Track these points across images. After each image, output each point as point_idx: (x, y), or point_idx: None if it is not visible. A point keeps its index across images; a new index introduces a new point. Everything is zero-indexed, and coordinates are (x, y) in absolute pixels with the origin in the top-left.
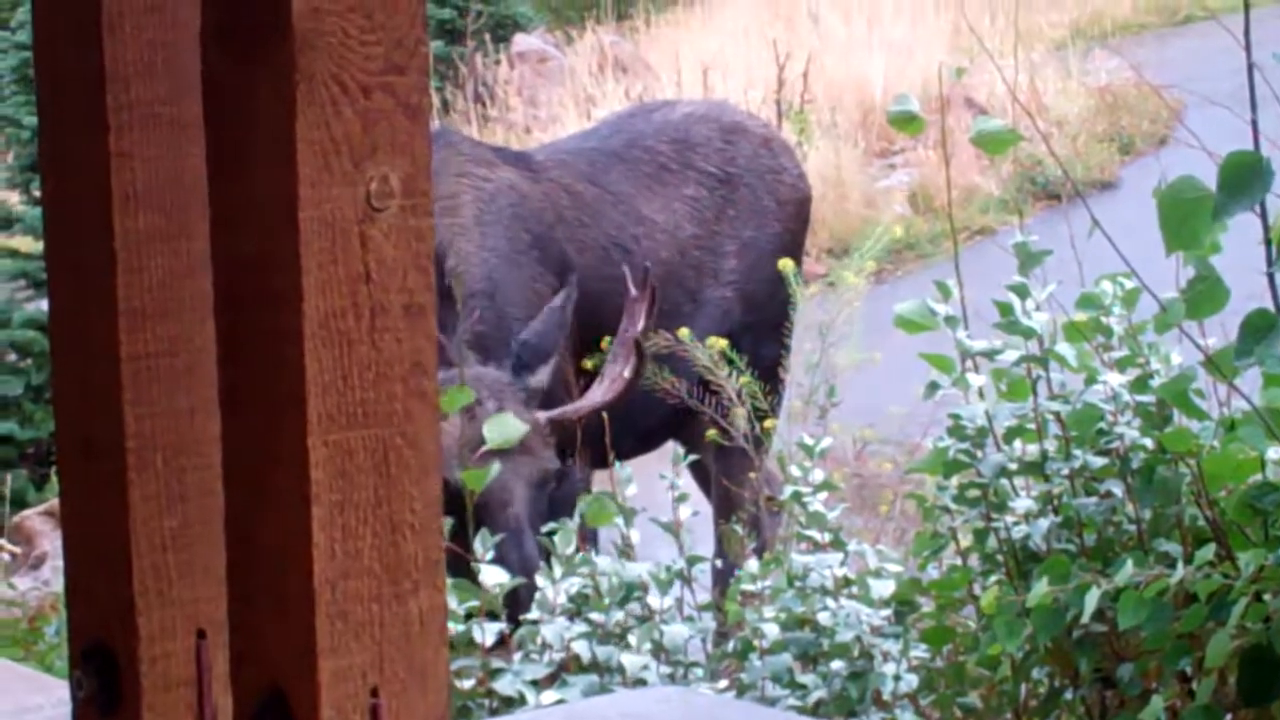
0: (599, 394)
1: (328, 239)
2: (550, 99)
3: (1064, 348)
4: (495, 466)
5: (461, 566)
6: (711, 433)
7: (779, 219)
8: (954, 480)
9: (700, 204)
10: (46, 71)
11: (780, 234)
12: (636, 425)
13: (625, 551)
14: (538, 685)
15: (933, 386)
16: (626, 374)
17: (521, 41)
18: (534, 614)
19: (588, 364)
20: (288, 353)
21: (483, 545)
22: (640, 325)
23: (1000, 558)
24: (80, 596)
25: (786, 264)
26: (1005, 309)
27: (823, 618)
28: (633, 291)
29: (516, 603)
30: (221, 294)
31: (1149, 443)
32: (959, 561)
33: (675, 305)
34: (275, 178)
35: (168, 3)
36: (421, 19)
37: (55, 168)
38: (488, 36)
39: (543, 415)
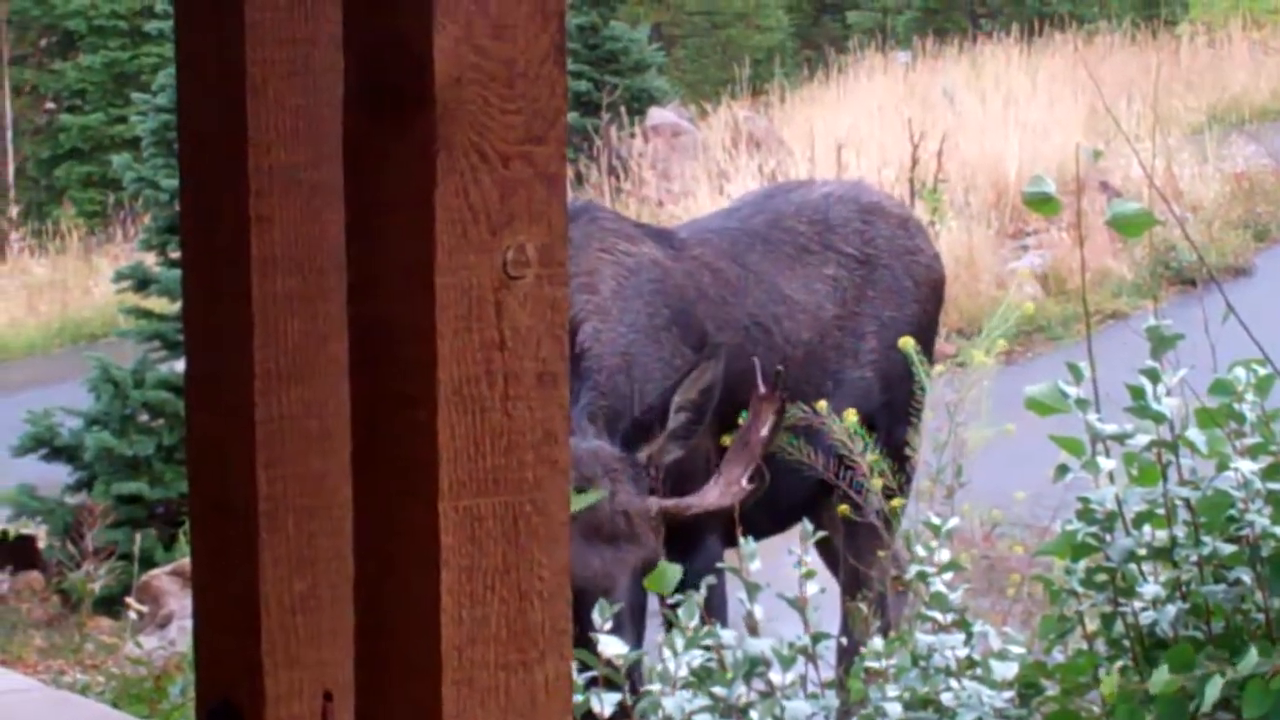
0: (714, 495)
1: (464, 306)
2: (684, 173)
3: (1195, 433)
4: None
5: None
6: (844, 508)
7: (916, 299)
8: (1082, 564)
9: (840, 284)
10: (189, 134)
11: (917, 314)
12: (777, 505)
13: (750, 626)
14: None
15: (1063, 469)
16: (745, 483)
17: (656, 115)
18: (656, 686)
19: (725, 440)
20: (421, 418)
21: (601, 615)
22: (765, 430)
23: (1126, 643)
24: (209, 656)
25: (907, 343)
26: (1137, 393)
27: (946, 698)
28: (761, 388)
29: (638, 674)
30: (356, 358)
31: None
32: (1085, 646)
33: (816, 386)
34: (413, 244)
35: (310, 69)
36: (562, 90)
37: (196, 230)
38: (623, 109)
39: (655, 502)
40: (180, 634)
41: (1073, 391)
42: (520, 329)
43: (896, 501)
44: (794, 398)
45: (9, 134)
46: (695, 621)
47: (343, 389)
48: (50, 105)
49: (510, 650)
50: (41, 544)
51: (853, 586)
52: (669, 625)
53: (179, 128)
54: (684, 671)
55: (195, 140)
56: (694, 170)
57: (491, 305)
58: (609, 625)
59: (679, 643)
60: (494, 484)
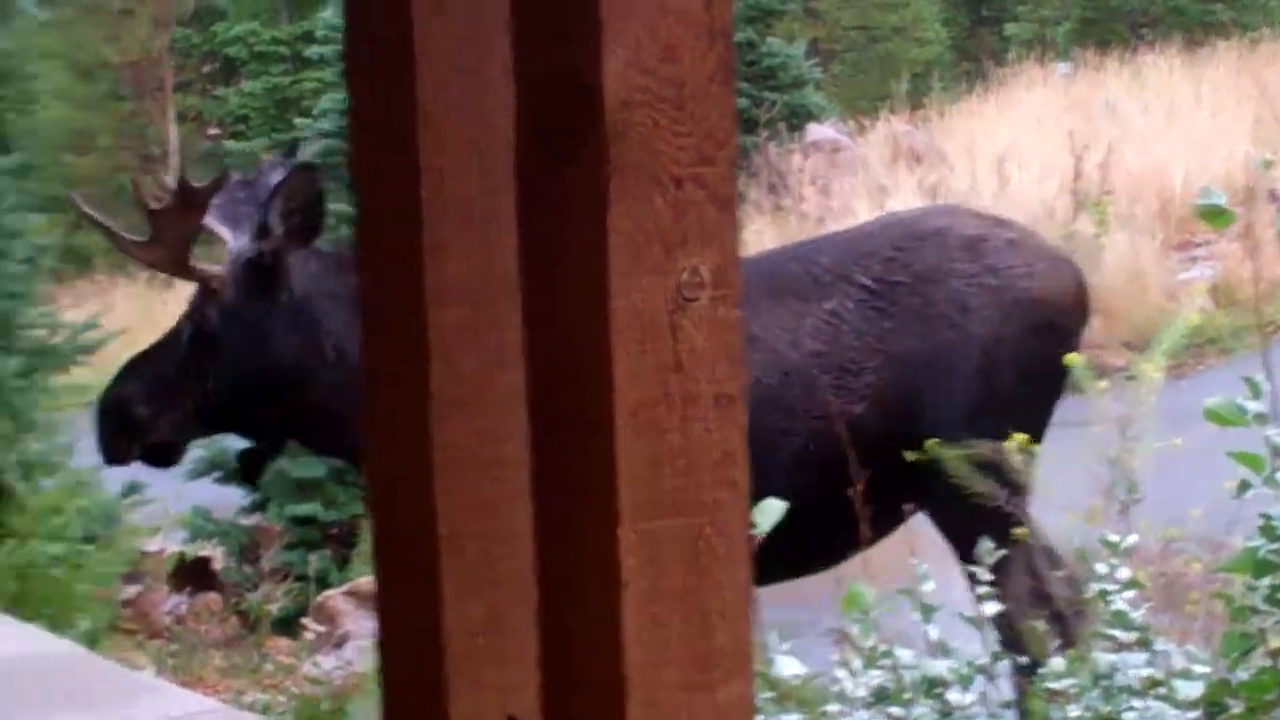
0: None
1: (639, 329)
2: (843, 189)
3: None
4: None
5: None
6: (1023, 530)
7: (977, 322)
8: (1265, 581)
9: (839, 319)
10: (362, 166)
11: (981, 337)
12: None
13: (930, 646)
14: None
15: (1244, 485)
16: None
17: (815, 131)
18: (834, 707)
19: None
20: (598, 442)
21: (780, 637)
22: None
23: None
24: (393, 681)
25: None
26: None
27: (1128, 718)
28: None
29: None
30: (533, 385)
31: None
32: (1269, 663)
33: (773, 425)
34: (587, 268)
35: (481, 99)
36: (730, 110)
37: (370, 261)
38: (782, 126)
39: None
40: (357, 654)
41: (1252, 406)
42: (696, 351)
43: (1022, 532)
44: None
45: (174, 159)
46: (872, 642)
47: (517, 416)
48: (214, 131)
49: (693, 671)
50: (218, 566)
51: (1021, 606)
52: (844, 643)
53: (350, 160)
54: (862, 692)
55: (368, 172)
56: (854, 186)
57: (667, 328)
58: (786, 646)
59: (856, 663)
60: (673, 506)
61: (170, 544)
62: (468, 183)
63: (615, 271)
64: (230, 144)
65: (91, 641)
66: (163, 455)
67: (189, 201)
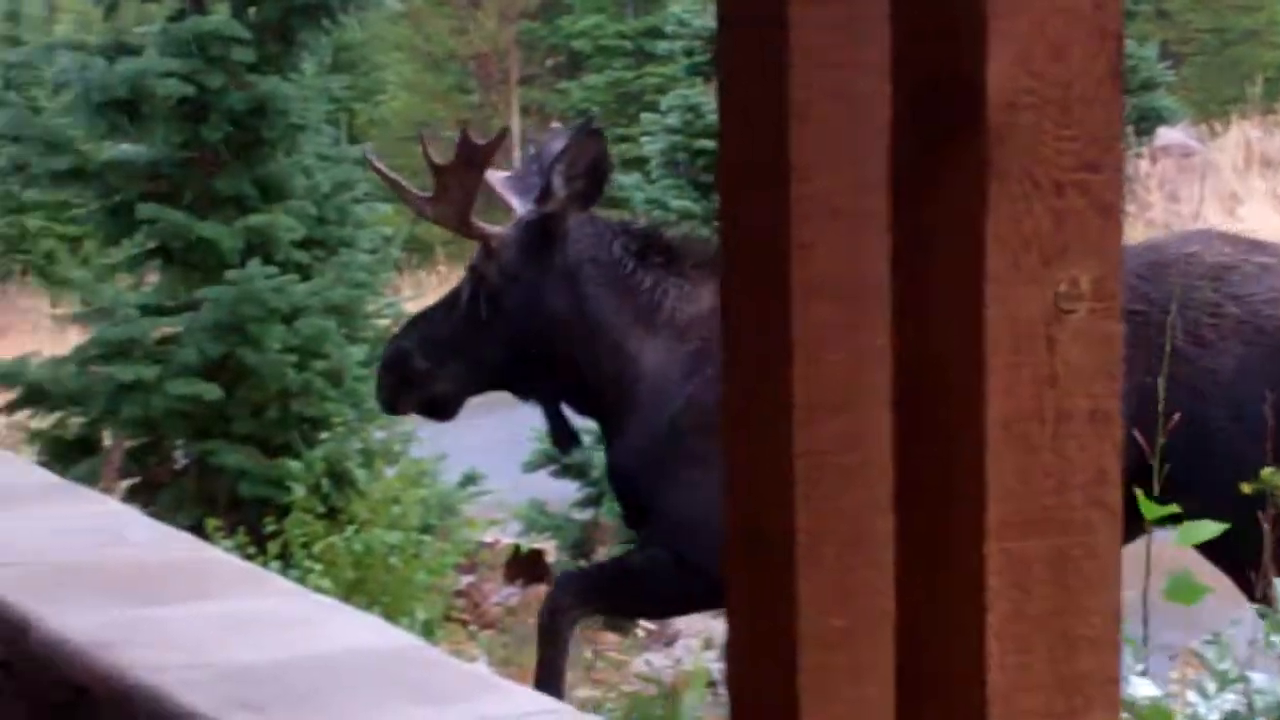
0: None
1: (1013, 340)
2: (1192, 195)
3: None
4: None
5: None
6: None
7: (1218, 354)
8: None
9: None
10: (730, 159)
11: (1222, 370)
12: None
13: None
14: None
15: None
16: None
17: (1165, 135)
18: None
19: None
20: (967, 454)
21: (1135, 656)
22: None
23: None
24: (743, 689)
25: None
26: None
27: None
28: None
29: None
30: (900, 391)
31: None
32: None
33: None
34: (961, 274)
35: (855, 94)
36: (1118, 114)
37: (736, 257)
38: (1130, 130)
39: None
40: (686, 652)
41: None
42: (1072, 364)
43: None
44: None
45: (517, 153)
46: (1227, 664)
47: (882, 421)
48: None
49: (1057, 698)
50: (551, 559)
51: None
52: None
53: (720, 154)
54: (1215, 716)
55: (737, 166)
56: (1203, 193)
57: (1042, 339)
58: (1140, 666)
59: (1210, 686)
60: (1042, 525)
61: (505, 536)
62: (838, 180)
63: (991, 279)
64: None
65: (427, 632)
66: (439, 408)
67: (471, 158)
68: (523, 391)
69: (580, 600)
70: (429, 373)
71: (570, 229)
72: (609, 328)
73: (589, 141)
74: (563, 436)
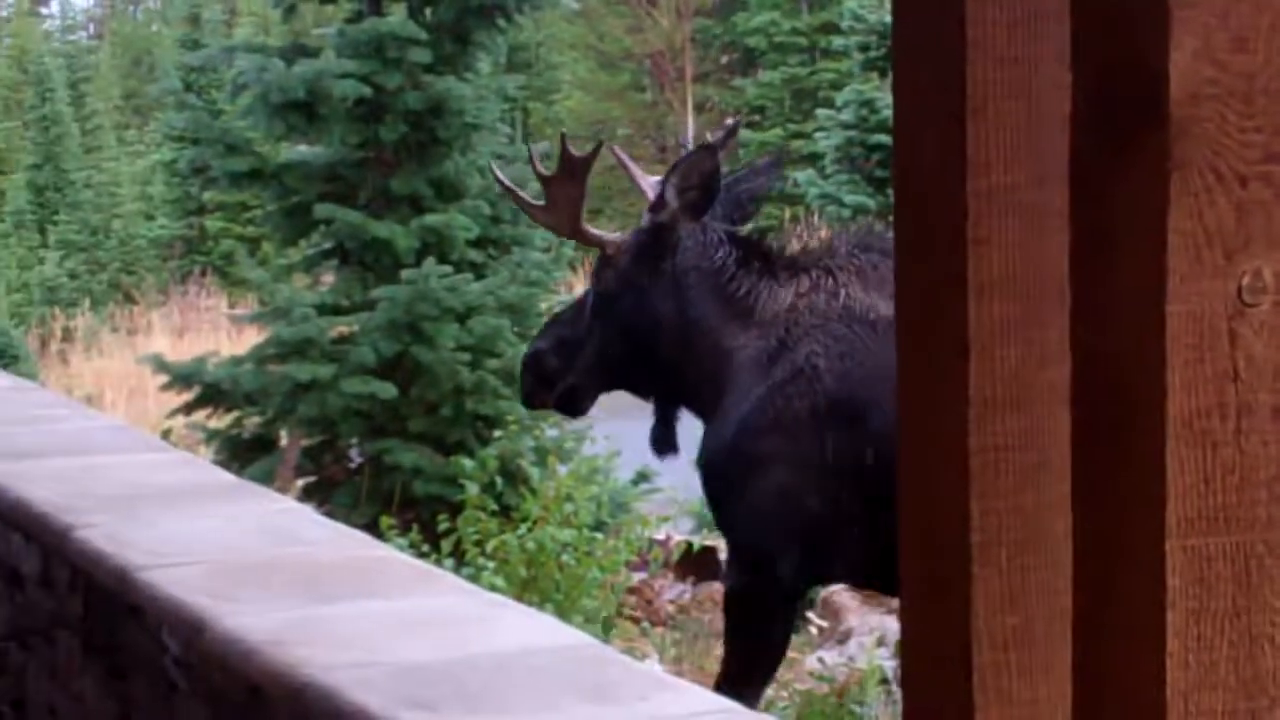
0: None
1: (1195, 335)
2: None
3: None
4: None
5: None
6: None
7: None
8: None
9: None
10: (906, 154)
11: None
12: None
13: None
14: None
15: None
16: None
17: None
18: None
19: None
20: (1147, 451)
21: None
22: None
23: None
24: (917, 689)
25: None
26: None
27: None
28: None
29: None
30: (1078, 387)
31: None
32: None
33: None
34: (1143, 269)
35: (1031, 88)
36: None
37: (911, 252)
38: None
39: None
40: (859, 650)
41: None
42: (1255, 359)
43: None
44: None
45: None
46: None
47: (1059, 418)
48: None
49: (1239, 698)
50: (723, 556)
51: None
52: None
53: (895, 149)
54: None
55: (912, 160)
56: None
57: (1224, 334)
58: None
59: None
60: (1224, 522)
61: (677, 533)
62: (1016, 174)
63: (1173, 274)
64: (747, 134)
65: (601, 630)
66: (571, 404)
67: (571, 169)
68: (641, 391)
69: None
70: (560, 371)
71: (681, 238)
72: (709, 330)
73: (702, 157)
74: (663, 441)
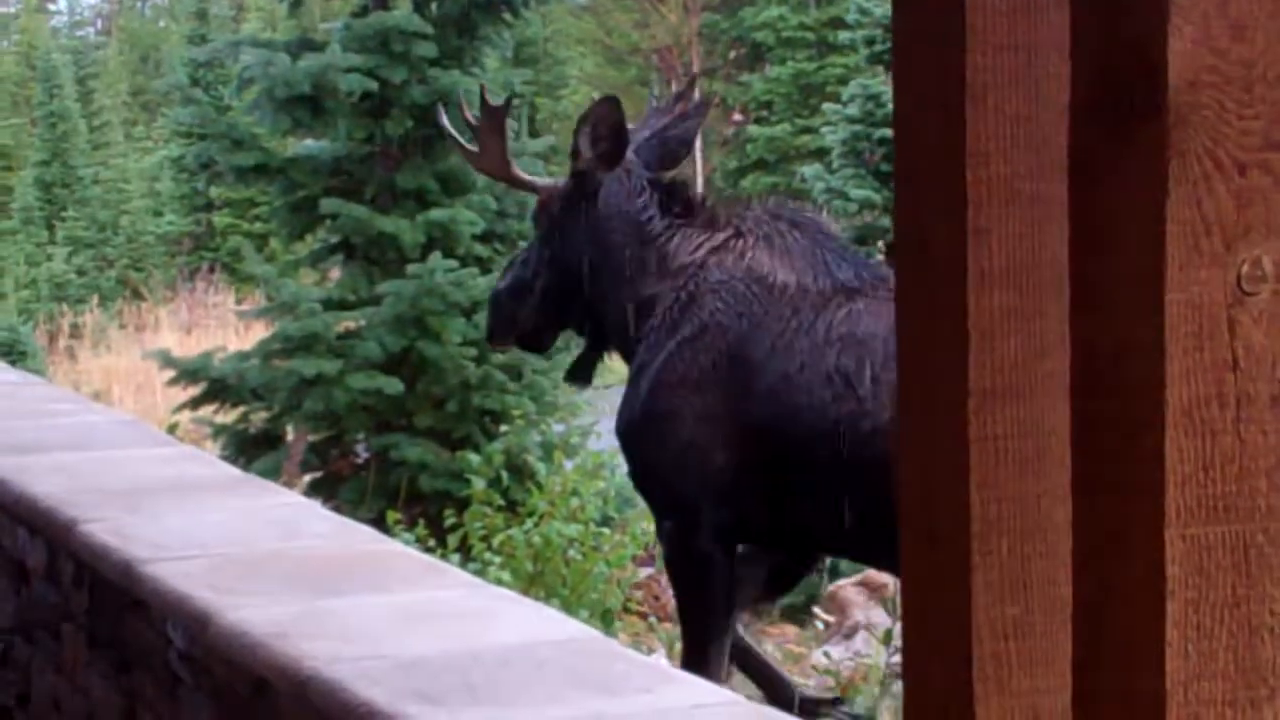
0: None
1: (1194, 323)
2: None
3: None
4: None
5: None
6: None
7: None
8: None
9: None
10: (906, 145)
11: None
12: None
13: None
14: None
15: None
16: None
17: None
18: None
19: None
20: (1146, 441)
21: None
22: None
23: None
24: (918, 681)
25: None
26: None
27: None
28: None
29: None
30: (1078, 378)
31: None
32: None
33: None
34: (1142, 258)
35: (1031, 76)
36: None
37: (911, 243)
38: None
39: None
40: (865, 645)
41: None
42: (1254, 348)
43: None
44: None
45: (698, 144)
46: None
47: (1059, 408)
48: (738, 117)
49: (1238, 687)
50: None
51: None
52: None
53: (895, 140)
54: None
55: (912, 151)
56: None
57: (1224, 323)
58: None
59: None
60: (1223, 511)
61: None
62: (1016, 163)
63: (1172, 262)
64: (754, 129)
65: (605, 624)
66: (531, 342)
67: (491, 116)
68: (579, 331)
69: None
70: (515, 311)
71: (603, 183)
72: (626, 277)
73: (607, 107)
74: (578, 373)
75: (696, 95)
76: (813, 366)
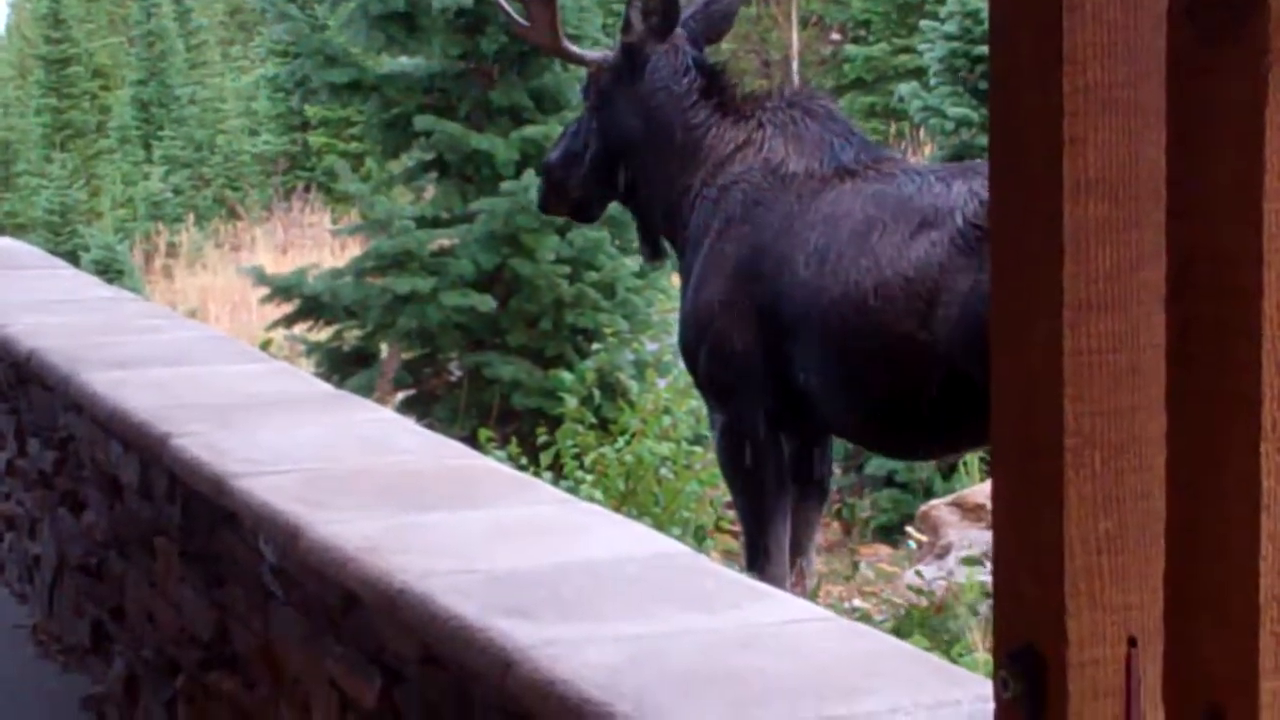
0: None
1: None
2: None
3: None
4: None
5: None
6: None
7: None
8: None
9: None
10: (1001, 54)
11: None
12: None
13: None
14: None
15: None
16: None
17: None
18: None
19: None
20: (1244, 352)
21: None
22: None
23: None
24: (1010, 597)
25: None
26: None
27: None
28: None
29: None
30: (1173, 288)
31: None
32: None
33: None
34: (1240, 165)
35: None
36: None
37: (1006, 153)
38: None
39: None
40: (958, 565)
41: None
42: None
43: None
44: None
45: (795, 64)
46: None
47: (1155, 320)
48: (835, 36)
49: None
50: None
51: None
52: None
53: (990, 51)
54: None
55: (1008, 60)
56: None
57: None
58: None
59: None
60: None
61: None
62: (1112, 70)
63: (1271, 171)
64: (851, 49)
65: (698, 541)
66: (580, 212)
67: None
68: (627, 205)
69: None
70: (565, 181)
71: (651, 58)
72: (668, 159)
73: None
74: (650, 251)
75: None
76: (801, 248)
